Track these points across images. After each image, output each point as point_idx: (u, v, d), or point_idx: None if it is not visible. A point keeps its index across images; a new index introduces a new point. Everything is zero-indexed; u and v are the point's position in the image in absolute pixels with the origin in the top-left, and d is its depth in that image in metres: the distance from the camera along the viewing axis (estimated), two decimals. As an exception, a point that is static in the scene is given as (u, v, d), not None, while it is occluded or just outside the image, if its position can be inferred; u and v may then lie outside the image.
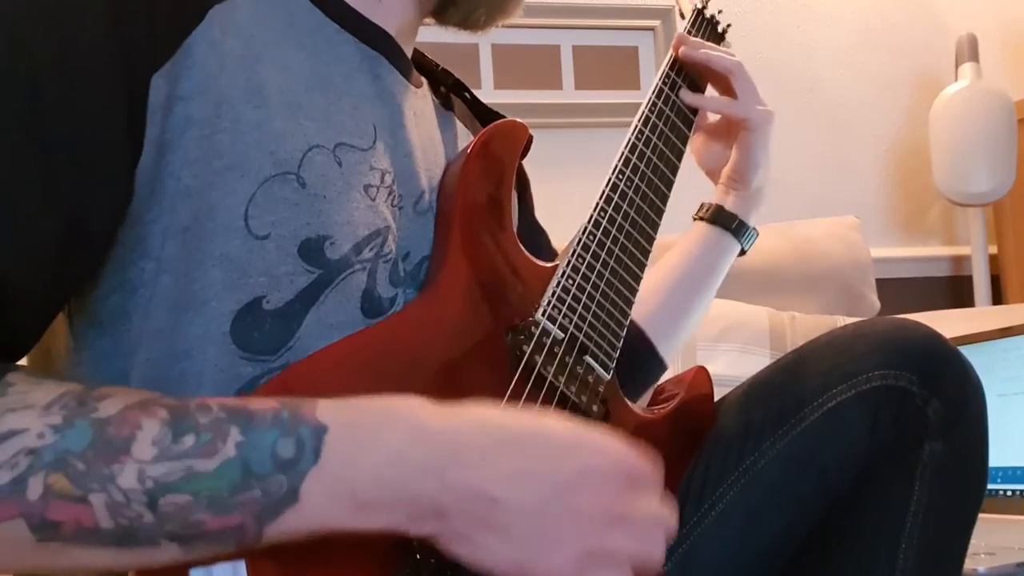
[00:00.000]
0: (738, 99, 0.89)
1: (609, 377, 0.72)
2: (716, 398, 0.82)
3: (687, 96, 0.88)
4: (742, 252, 0.95)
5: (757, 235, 0.95)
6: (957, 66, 2.07)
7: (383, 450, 0.49)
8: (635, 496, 0.54)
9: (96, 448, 0.46)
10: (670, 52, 0.91)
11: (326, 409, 0.50)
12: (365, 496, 0.48)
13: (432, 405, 0.52)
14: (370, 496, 0.49)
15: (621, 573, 0.53)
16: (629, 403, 0.76)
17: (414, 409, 0.52)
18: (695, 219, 0.95)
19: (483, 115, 0.85)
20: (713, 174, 0.96)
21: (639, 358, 0.74)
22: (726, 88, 0.90)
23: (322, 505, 0.48)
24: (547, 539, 0.51)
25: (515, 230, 0.74)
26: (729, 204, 0.93)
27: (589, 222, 0.76)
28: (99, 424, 0.47)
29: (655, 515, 0.55)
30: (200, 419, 0.48)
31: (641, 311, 0.87)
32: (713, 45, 0.91)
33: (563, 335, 0.69)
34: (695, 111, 0.90)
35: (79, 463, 0.46)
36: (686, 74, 0.90)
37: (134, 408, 0.48)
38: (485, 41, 1.96)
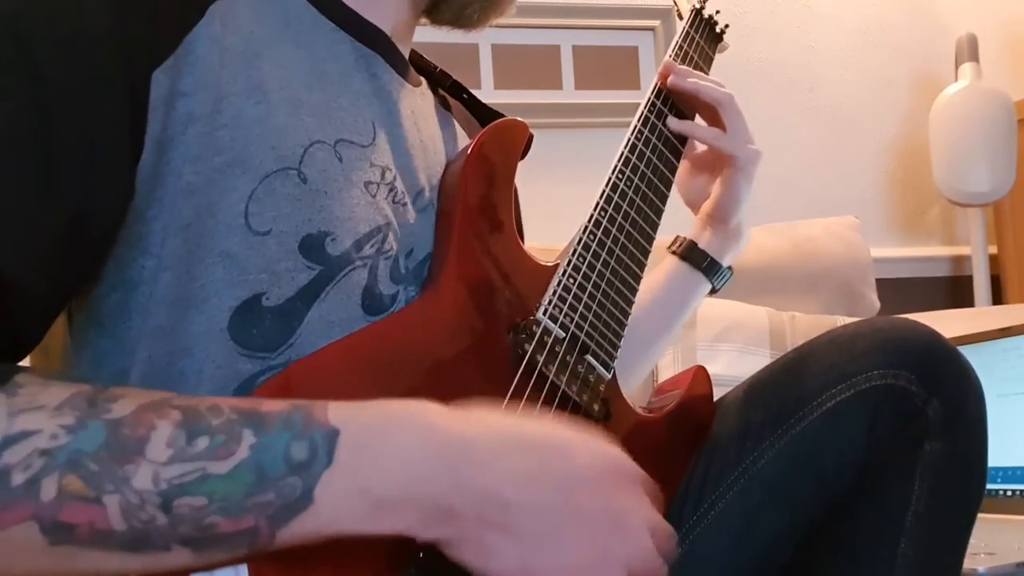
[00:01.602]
0: (727, 133, 0.86)
1: (610, 376, 0.72)
2: (716, 398, 0.82)
3: (675, 123, 0.86)
4: (713, 291, 0.92)
5: (731, 274, 0.92)
6: (957, 66, 2.07)
7: (396, 453, 0.49)
8: (629, 498, 0.55)
9: (110, 449, 0.46)
10: (670, 48, 0.90)
11: (338, 412, 0.50)
12: (379, 499, 0.48)
13: (441, 408, 0.52)
14: (384, 499, 0.49)
15: (620, 574, 0.54)
16: (629, 402, 0.76)
17: (425, 412, 0.52)
18: (668, 251, 0.92)
19: (483, 115, 0.85)
20: (694, 205, 0.93)
21: None
22: (714, 119, 0.87)
23: (336, 508, 0.48)
24: (554, 540, 0.51)
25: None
26: (704, 241, 0.91)
27: (589, 221, 0.76)
28: (113, 425, 0.47)
29: (648, 518, 0.56)
30: (212, 420, 0.48)
31: None
32: (701, 75, 0.88)
33: (564, 334, 0.69)
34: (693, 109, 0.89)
35: (93, 464, 0.45)
36: None
37: (147, 409, 0.48)
38: (485, 41, 1.96)
